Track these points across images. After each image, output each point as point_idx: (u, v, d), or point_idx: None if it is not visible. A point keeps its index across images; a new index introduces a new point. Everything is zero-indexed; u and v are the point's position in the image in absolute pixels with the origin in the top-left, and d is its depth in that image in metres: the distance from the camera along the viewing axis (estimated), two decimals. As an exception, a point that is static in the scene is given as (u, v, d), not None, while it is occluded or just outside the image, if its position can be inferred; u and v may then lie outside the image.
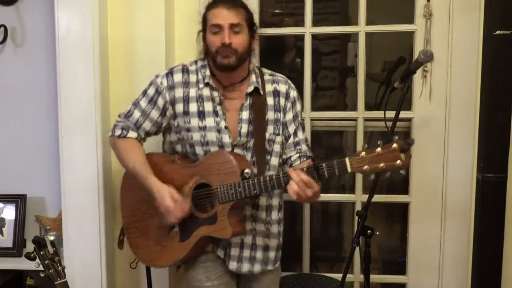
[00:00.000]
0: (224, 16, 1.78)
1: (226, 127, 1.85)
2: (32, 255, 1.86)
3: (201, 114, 1.86)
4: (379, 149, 1.57)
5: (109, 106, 2.33)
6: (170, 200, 1.80)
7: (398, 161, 1.55)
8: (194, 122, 1.86)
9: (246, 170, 1.76)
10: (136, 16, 2.31)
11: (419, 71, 2.11)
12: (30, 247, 2.06)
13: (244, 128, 1.87)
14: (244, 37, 1.82)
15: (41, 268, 1.86)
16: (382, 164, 1.57)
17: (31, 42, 2.43)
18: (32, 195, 2.48)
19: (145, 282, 2.26)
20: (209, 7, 1.84)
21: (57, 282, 1.84)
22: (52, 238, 2.22)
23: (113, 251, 2.39)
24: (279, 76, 1.98)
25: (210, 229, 1.81)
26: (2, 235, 2.43)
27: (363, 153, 1.59)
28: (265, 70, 1.98)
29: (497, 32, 2.14)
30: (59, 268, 1.85)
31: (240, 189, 1.74)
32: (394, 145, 1.56)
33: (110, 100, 2.33)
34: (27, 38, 2.43)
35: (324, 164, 1.64)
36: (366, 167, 1.58)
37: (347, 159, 1.61)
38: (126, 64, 2.33)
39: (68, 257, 2.28)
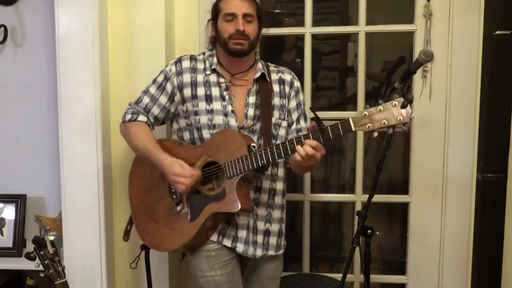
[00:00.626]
0: (237, 5, 1.86)
1: (232, 111, 1.90)
2: (32, 255, 1.86)
3: (209, 98, 1.91)
4: (380, 107, 1.62)
5: (109, 106, 2.33)
6: (180, 168, 1.82)
7: (400, 117, 1.59)
8: (202, 105, 1.91)
9: (253, 144, 1.80)
10: (136, 16, 2.32)
11: (419, 71, 2.11)
12: (30, 247, 2.06)
13: (251, 112, 1.92)
14: (255, 27, 1.90)
15: (41, 268, 1.86)
16: (384, 121, 1.60)
17: (31, 42, 2.43)
18: (32, 195, 2.47)
19: (145, 282, 2.26)
20: None
21: (57, 282, 1.84)
22: (52, 238, 2.22)
23: (113, 251, 2.39)
24: (283, 68, 2.07)
25: (218, 205, 1.83)
26: (2, 235, 2.43)
27: (365, 112, 1.62)
28: (269, 63, 2.06)
29: (497, 32, 2.14)
30: (59, 268, 1.85)
31: (247, 162, 1.76)
32: (395, 102, 1.60)
33: (110, 100, 2.33)
34: (27, 38, 2.43)
35: (328, 126, 1.67)
36: (369, 125, 1.62)
37: (350, 119, 1.65)
38: (126, 64, 2.34)
39: (68, 257, 2.28)
